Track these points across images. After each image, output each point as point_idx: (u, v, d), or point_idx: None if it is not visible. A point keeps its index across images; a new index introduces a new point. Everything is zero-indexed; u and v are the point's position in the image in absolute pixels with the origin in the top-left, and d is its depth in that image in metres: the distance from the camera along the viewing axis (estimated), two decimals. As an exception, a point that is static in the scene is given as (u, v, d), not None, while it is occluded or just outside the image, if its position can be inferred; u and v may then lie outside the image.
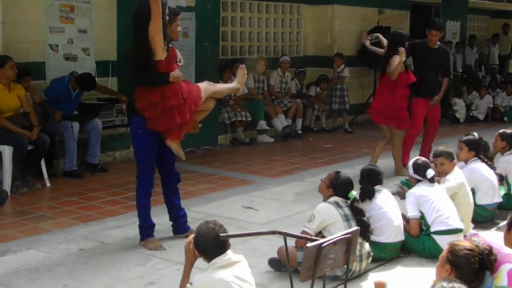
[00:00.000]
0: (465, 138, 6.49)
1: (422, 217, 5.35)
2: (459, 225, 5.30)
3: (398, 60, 7.65)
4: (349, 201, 4.84)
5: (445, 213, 5.27)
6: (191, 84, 5.41)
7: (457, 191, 5.65)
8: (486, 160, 6.44)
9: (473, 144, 6.36)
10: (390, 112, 7.90)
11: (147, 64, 4.99)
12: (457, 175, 5.78)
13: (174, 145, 5.32)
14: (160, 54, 4.97)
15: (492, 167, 6.54)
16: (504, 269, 3.06)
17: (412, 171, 5.55)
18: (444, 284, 2.75)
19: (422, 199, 5.33)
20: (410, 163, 5.63)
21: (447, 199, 5.42)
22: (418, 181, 5.50)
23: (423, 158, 5.74)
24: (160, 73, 5.03)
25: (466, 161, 6.40)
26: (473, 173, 6.20)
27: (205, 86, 5.42)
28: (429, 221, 5.28)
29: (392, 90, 7.82)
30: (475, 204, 6.07)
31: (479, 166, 6.30)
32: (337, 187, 4.88)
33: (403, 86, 7.83)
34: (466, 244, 3.11)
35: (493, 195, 6.33)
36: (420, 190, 5.40)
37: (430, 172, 5.45)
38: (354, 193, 4.88)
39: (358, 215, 4.79)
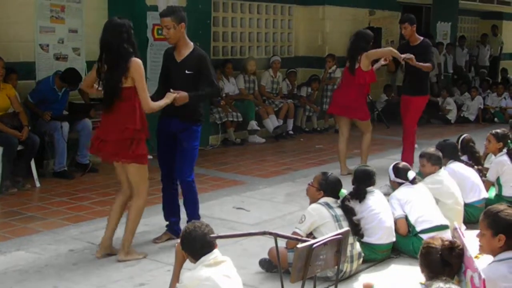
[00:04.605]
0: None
1: (407, 217, 5.38)
2: (443, 221, 5.33)
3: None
4: (339, 201, 4.84)
5: (426, 212, 5.32)
6: None
7: (436, 195, 5.66)
8: (462, 160, 6.53)
9: (447, 149, 6.38)
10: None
11: None
12: (437, 178, 5.79)
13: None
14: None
15: (471, 165, 6.59)
16: (468, 276, 3.10)
17: (393, 176, 5.60)
18: (441, 284, 2.76)
19: (402, 201, 5.40)
20: (390, 168, 5.67)
21: (428, 198, 5.47)
22: (400, 184, 5.55)
23: (403, 162, 5.82)
24: None
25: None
26: (452, 175, 6.22)
27: None
28: (412, 222, 5.33)
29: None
30: (464, 204, 6.08)
31: (456, 167, 6.33)
32: (327, 188, 4.87)
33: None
34: (432, 241, 3.19)
35: (479, 191, 6.36)
36: (400, 193, 5.46)
37: (411, 174, 5.51)
38: (344, 191, 4.89)
39: (348, 213, 4.80)
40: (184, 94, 5.12)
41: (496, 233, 3.28)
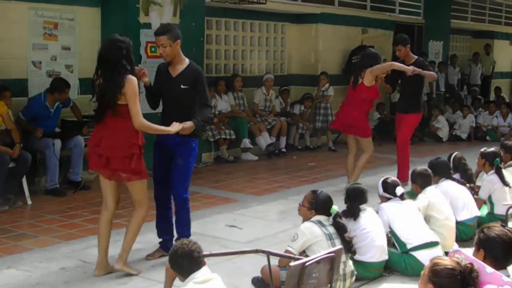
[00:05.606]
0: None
1: (393, 233, 5.40)
2: (433, 238, 5.35)
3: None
4: (331, 218, 4.83)
5: (415, 230, 5.35)
6: None
7: (427, 211, 5.67)
8: (454, 178, 6.53)
9: (439, 167, 6.42)
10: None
11: None
12: (428, 195, 5.80)
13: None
14: None
15: (463, 183, 6.60)
16: None
17: (381, 190, 5.62)
18: None
19: (391, 216, 5.41)
20: (380, 182, 5.70)
21: (416, 214, 5.48)
22: (388, 199, 5.58)
23: (393, 178, 5.79)
24: None
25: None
26: (445, 193, 6.23)
27: None
28: (403, 240, 5.34)
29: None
30: (456, 222, 6.08)
31: (448, 185, 6.35)
32: (318, 207, 4.87)
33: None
34: (447, 262, 3.10)
35: (471, 210, 6.37)
36: (389, 208, 5.47)
37: (399, 190, 5.53)
38: (336, 207, 4.87)
39: (340, 230, 4.78)
40: (190, 124, 5.16)
41: (478, 248, 3.38)
